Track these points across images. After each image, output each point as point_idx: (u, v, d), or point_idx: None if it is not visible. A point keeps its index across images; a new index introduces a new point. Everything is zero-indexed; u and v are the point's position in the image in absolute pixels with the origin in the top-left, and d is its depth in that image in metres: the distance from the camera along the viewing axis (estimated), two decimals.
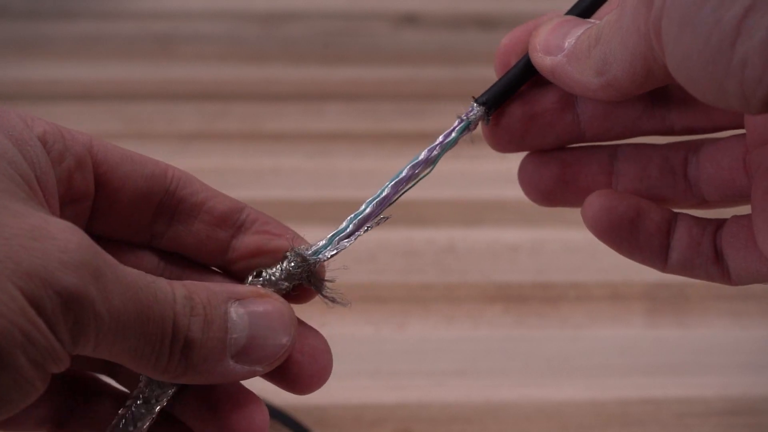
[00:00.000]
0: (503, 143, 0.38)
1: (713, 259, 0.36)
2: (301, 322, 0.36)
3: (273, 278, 0.36)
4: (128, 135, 0.79)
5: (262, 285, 0.36)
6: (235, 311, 0.33)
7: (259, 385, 0.35)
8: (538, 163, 0.38)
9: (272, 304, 0.34)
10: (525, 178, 0.38)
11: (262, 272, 0.36)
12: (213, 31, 0.97)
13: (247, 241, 0.37)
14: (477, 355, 0.58)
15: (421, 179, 0.37)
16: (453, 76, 0.89)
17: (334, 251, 0.36)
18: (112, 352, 0.30)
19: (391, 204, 0.37)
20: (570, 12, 0.37)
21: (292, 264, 0.36)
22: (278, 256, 0.36)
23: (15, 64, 0.90)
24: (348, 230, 0.37)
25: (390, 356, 0.58)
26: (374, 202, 0.37)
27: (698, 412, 0.54)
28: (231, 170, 0.74)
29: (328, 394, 0.54)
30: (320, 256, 0.36)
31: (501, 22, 0.97)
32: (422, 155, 0.37)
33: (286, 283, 0.36)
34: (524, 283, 0.63)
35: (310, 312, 0.61)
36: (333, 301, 0.37)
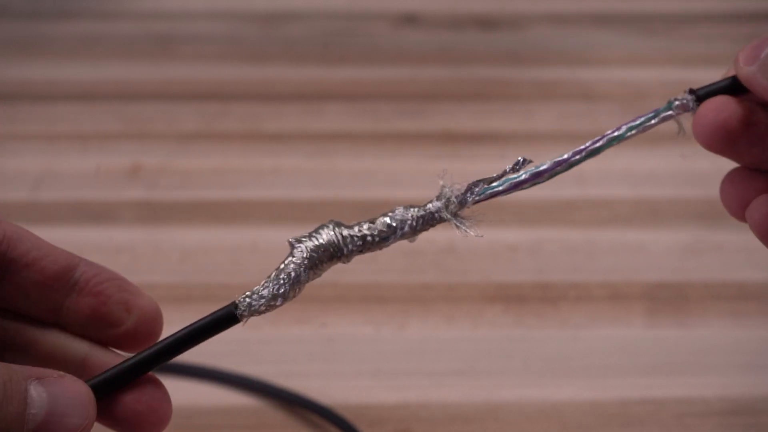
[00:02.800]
0: (716, 138, 0.38)
1: None
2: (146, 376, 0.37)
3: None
4: (128, 135, 0.79)
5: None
6: (35, 389, 0.33)
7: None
8: (746, 178, 0.39)
9: (71, 385, 0.34)
10: (730, 190, 0.39)
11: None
12: (213, 31, 0.97)
13: (81, 304, 0.37)
14: (477, 355, 0.58)
15: (597, 153, 0.37)
16: (453, 76, 0.89)
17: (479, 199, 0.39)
18: None
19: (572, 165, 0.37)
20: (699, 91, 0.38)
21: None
22: (113, 320, 0.37)
23: (15, 64, 0.90)
24: (500, 188, 0.39)
25: (390, 356, 0.58)
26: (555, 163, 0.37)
27: (698, 412, 0.54)
28: (231, 170, 0.74)
29: (328, 394, 0.54)
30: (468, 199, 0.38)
31: (501, 22, 0.97)
32: (618, 131, 0.37)
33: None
34: (524, 283, 0.63)
35: (310, 312, 0.61)
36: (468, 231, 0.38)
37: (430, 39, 0.96)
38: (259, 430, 0.54)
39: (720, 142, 0.38)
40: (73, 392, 0.34)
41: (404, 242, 0.38)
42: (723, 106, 0.38)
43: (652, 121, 0.38)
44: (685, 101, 0.38)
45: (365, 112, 0.82)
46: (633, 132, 0.38)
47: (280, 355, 0.57)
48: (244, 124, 0.81)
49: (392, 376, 0.56)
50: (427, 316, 0.61)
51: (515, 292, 0.62)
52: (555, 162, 0.38)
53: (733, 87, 0.38)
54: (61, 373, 0.35)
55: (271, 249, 0.65)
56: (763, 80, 0.37)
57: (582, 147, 0.38)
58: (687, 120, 0.38)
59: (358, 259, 0.63)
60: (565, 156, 0.38)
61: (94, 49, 0.93)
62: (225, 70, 0.90)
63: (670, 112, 0.38)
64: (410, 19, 0.99)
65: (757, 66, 0.37)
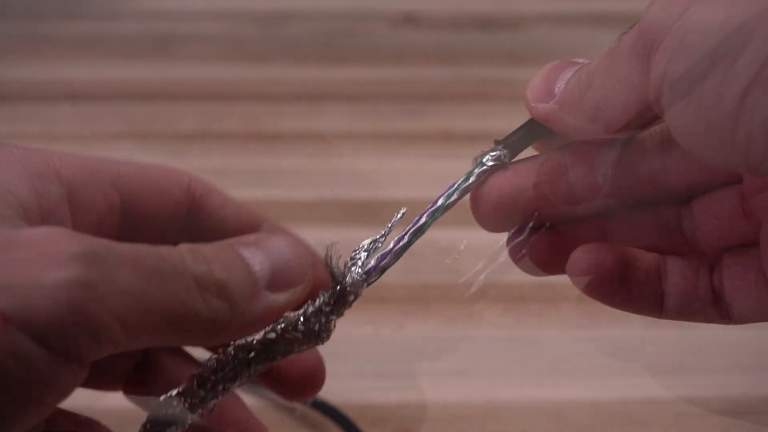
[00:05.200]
0: (498, 218, 0.37)
1: (712, 301, 0.35)
2: None
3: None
4: (128, 135, 0.79)
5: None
6: (246, 250, 0.34)
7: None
8: (529, 236, 0.37)
9: (277, 235, 0.35)
10: (517, 254, 0.38)
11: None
12: (213, 31, 0.97)
13: None
14: (477, 355, 0.58)
15: (436, 218, 0.37)
16: (453, 76, 0.89)
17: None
18: (151, 330, 0.30)
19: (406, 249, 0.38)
20: (504, 140, 0.37)
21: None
22: None
23: (15, 64, 0.90)
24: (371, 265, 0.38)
25: (390, 356, 0.58)
26: (395, 249, 0.37)
27: (698, 412, 0.54)
28: (231, 170, 0.74)
29: (329, 394, 0.54)
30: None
31: (501, 22, 0.97)
32: (439, 201, 0.37)
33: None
34: (524, 283, 0.63)
35: None
36: None
37: (430, 39, 0.96)
38: None
39: (500, 223, 0.37)
40: (284, 239, 0.35)
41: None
42: (502, 189, 0.36)
43: (470, 180, 0.36)
44: (498, 154, 0.36)
45: (365, 112, 0.82)
46: (452, 200, 0.37)
47: None
48: (244, 124, 0.81)
49: (392, 376, 0.56)
50: (427, 316, 0.61)
51: (515, 292, 0.62)
52: (380, 257, 0.37)
53: (536, 129, 0.36)
54: (258, 234, 0.35)
55: None
56: (566, 117, 0.34)
57: (405, 231, 0.37)
58: None
59: None
60: (390, 246, 0.37)
61: (94, 49, 0.93)
62: (225, 70, 0.90)
63: (484, 168, 0.36)
64: (410, 19, 0.99)
65: (556, 103, 0.34)
